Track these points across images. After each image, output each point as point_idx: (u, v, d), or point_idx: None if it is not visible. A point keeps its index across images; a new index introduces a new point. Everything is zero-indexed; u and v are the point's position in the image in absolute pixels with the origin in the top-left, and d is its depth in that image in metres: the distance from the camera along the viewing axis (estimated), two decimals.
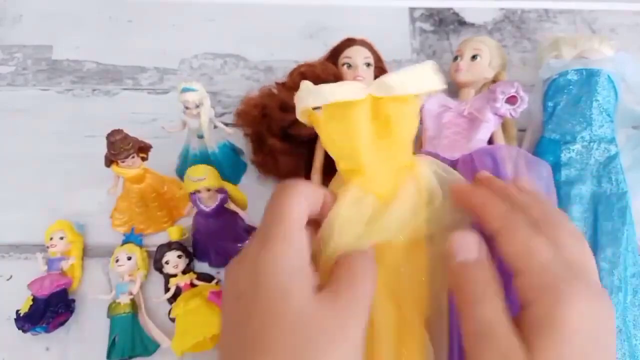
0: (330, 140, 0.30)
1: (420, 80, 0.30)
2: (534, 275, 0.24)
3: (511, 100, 0.43)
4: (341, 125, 0.29)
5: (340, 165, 0.31)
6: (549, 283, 0.24)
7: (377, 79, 0.30)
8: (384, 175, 0.30)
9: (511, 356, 0.22)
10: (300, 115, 0.32)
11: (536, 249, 0.25)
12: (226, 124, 0.48)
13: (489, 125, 0.44)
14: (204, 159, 0.46)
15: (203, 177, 0.41)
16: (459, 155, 0.43)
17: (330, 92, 0.29)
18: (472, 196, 0.29)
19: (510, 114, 0.43)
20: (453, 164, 0.43)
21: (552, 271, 0.24)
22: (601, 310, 0.23)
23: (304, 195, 0.27)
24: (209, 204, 0.43)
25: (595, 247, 0.41)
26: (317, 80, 0.40)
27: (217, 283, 0.45)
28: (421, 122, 0.46)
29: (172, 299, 0.43)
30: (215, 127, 0.46)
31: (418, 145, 0.47)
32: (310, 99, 0.29)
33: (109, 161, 0.42)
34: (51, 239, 0.45)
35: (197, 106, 0.43)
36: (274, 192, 0.27)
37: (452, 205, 0.30)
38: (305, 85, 0.30)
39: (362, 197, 0.29)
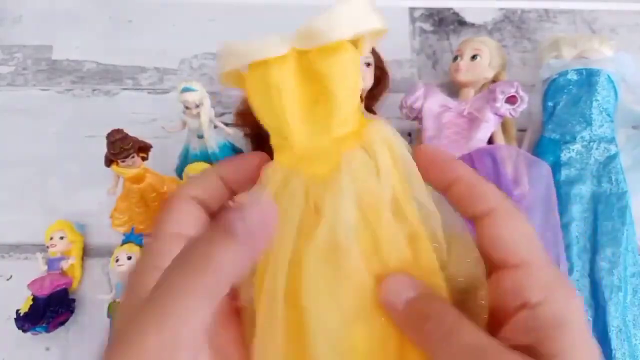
0: (257, 110, 0.24)
1: (354, 19, 0.23)
2: (542, 267, 0.21)
3: (511, 100, 0.43)
4: (264, 90, 0.23)
5: (272, 140, 0.25)
6: (558, 276, 0.21)
7: (301, 26, 0.23)
8: (322, 149, 0.23)
9: None
10: (224, 80, 0.25)
11: (537, 238, 0.21)
12: (226, 124, 0.48)
13: (489, 125, 0.44)
14: (204, 158, 0.46)
15: None
16: (458, 155, 0.43)
17: (247, 51, 0.22)
18: (458, 167, 0.23)
19: (510, 114, 0.43)
20: None
21: (552, 263, 0.21)
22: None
23: (191, 198, 0.24)
24: None
25: (595, 246, 0.41)
26: None
27: None
28: (421, 121, 0.46)
29: None
30: (215, 127, 0.46)
31: (417, 145, 0.47)
32: (229, 60, 0.23)
33: (109, 161, 0.42)
34: (51, 239, 0.45)
35: (197, 106, 0.43)
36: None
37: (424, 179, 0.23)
38: (226, 44, 0.23)
39: (291, 180, 0.23)
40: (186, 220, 0.23)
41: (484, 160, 0.42)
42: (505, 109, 0.43)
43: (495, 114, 0.44)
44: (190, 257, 0.19)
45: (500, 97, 0.43)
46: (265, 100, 0.23)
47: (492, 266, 0.21)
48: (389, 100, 0.51)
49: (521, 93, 0.43)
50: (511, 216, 0.21)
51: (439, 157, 0.23)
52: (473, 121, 0.44)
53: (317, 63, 0.23)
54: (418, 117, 0.46)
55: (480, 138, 0.43)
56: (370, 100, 0.49)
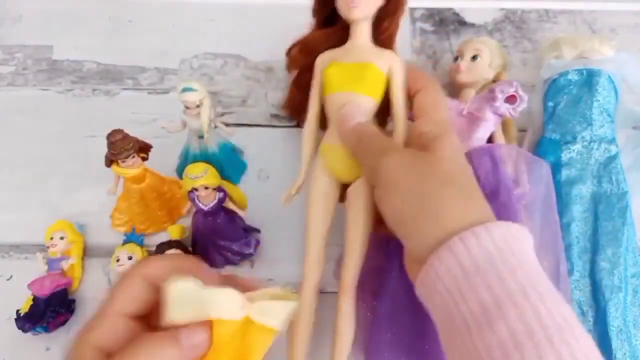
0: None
1: (282, 315, 0.28)
2: (432, 119, 0.36)
3: (510, 99, 0.43)
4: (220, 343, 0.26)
5: None
6: (440, 124, 0.36)
7: (263, 304, 0.27)
8: None
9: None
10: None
11: (441, 105, 0.37)
12: (226, 124, 0.48)
13: (488, 125, 0.44)
14: (204, 158, 0.46)
15: (201, 174, 0.41)
16: None
17: (205, 305, 0.25)
18: (414, 73, 0.40)
19: (510, 113, 0.43)
20: None
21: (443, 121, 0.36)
22: (461, 150, 0.35)
23: (141, 282, 0.27)
24: (207, 203, 0.43)
25: (595, 247, 0.41)
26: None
27: None
28: None
29: None
30: (215, 127, 0.46)
31: None
32: (184, 308, 0.25)
33: (109, 161, 0.42)
34: (51, 238, 0.45)
35: (198, 106, 0.43)
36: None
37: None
38: (181, 287, 0.25)
39: None
40: (134, 302, 0.26)
41: (483, 159, 0.42)
42: (504, 108, 0.43)
43: (495, 113, 0.43)
44: (139, 349, 0.24)
45: (500, 97, 0.43)
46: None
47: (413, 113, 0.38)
48: None
49: (520, 92, 0.43)
50: (430, 91, 0.38)
51: (413, 74, 0.40)
52: (472, 121, 0.44)
53: (254, 336, 0.27)
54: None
55: (479, 137, 0.43)
56: (381, 24, 0.42)
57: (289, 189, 0.42)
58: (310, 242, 0.40)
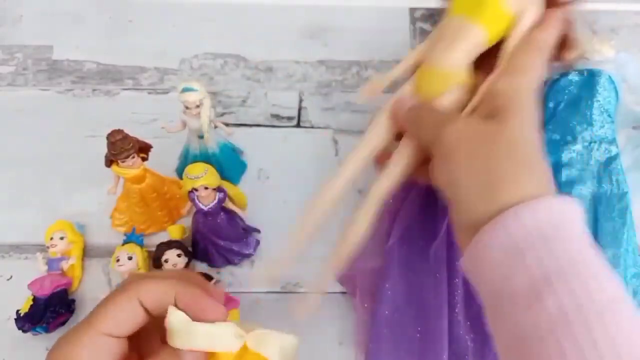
0: None
1: (285, 350, 0.28)
2: (515, 82, 0.33)
3: None
4: None
5: None
6: (521, 90, 0.33)
7: (259, 332, 0.28)
8: None
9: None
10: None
11: (534, 68, 0.34)
12: (226, 124, 0.48)
13: None
14: (204, 159, 0.46)
15: (201, 175, 0.41)
16: None
17: (202, 337, 0.26)
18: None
19: None
20: None
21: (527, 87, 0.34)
22: (532, 119, 0.32)
23: (136, 306, 0.26)
24: (207, 203, 0.43)
25: None
26: None
27: (215, 283, 0.45)
28: None
29: None
30: (215, 127, 0.46)
31: None
32: (180, 338, 0.26)
33: (109, 161, 0.42)
34: (51, 239, 0.45)
35: (198, 106, 0.43)
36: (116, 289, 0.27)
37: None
38: (177, 318, 0.26)
39: None
40: (125, 324, 0.26)
41: None
42: None
43: None
44: None
45: None
46: None
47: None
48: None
49: None
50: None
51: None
52: None
53: None
54: None
55: None
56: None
57: (374, 79, 0.40)
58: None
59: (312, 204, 0.36)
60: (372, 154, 0.37)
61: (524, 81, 0.33)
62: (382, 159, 0.37)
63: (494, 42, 0.36)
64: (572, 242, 0.27)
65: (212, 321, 0.26)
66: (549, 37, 0.35)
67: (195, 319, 0.26)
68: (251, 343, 0.28)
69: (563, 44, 0.38)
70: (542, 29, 0.35)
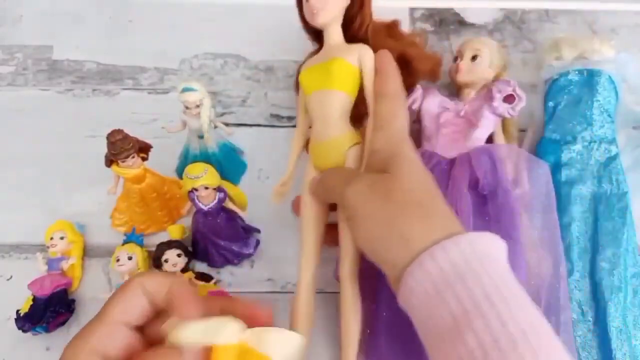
0: None
1: (287, 349, 0.29)
2: (385, 134, 0.36)
3: (509, 99, 0.43)
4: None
5: None
6: (394, 138, 0.36)
7: (260, 330, 0.28)
8: None
9: None
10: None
11: (397, 115, 0.37)
12: (226, 124, 0.48)
13: (488, 125, 0.44)
14: (204, 158, 0.46)
15: (201, 174, 0.41)
16: (456, 154, 0.43)
17: (201, 333, 0.27)
18: (379, 69, 0.39)
19: (509, 113, 0.43)
20: (451, 162, 0.43)
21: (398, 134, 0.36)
22: (418, 163, 0.35)
23: (139, 293, 0.28)
24: (207, 203, 0.43)
25: (595, 247, 0.41)
26: None
27: (215, 283, 0.45)
28: (419, 121, 0.46)
29: None
30: (215, 127, 0.46)
31: (416, 145, 0.46)
32: (178, 333, 0.27)
33: (109, 161, 0.42)
34: (51, 239, 0.45)
35: (198, 106, 0.43)
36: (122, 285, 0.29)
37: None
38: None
39: None
40: (132, 311, 0.28)
41: (482, 159, 0.42)
42: (503, 108, 0.43)
43: (493, 113, 0.43)
44: None
45: (498, 96, 0.43)
46: None
47: None
48: None
49: (518, 91, 0.43)
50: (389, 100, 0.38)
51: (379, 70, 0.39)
52: (471, 121, 0.44)
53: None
54: (417, 119, 0.46)
55: (478, 137, 0.43)
56: (352, 24, 0.42)
57: (275, 185, 0.43)
58: (304, 240, 0.40)
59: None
60: (318, 239, 0.41)
61: (394, 133, 0.36)
62: (297, 207, 0.42)
63: (354, 96, 0.40)
64: (487, 275, 0.28)
65: (185, 317, 0.27)
66: (392, 82, 0.38)
67: (173, 312, 0.28)
68: (252, 341, 0.28)
69: (408, 66, 0.43)
70: (382, 79, 0.38)
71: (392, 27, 0.50)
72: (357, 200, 0.34)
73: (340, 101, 0.39)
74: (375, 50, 0.39)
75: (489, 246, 0.30)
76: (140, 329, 0.29)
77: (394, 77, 0.38)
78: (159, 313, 0.29)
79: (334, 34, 0.41)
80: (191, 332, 0.27)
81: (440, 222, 0.31)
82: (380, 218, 0.32)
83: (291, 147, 0.43)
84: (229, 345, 0.27)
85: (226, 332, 0.27)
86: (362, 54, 0.39)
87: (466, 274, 0.28)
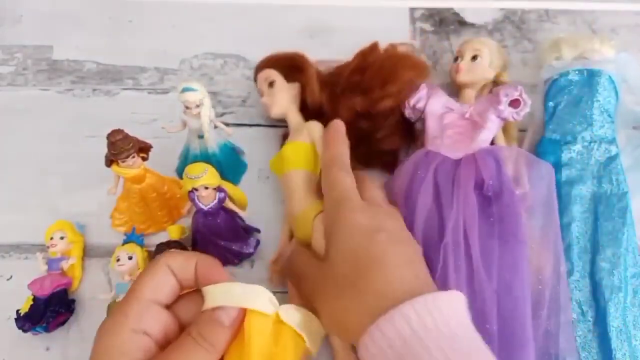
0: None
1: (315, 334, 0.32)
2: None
3: (514, 103, 0.43)
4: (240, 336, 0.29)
5: None
6: (327, 217, 0.38)
7: (293, 307, 0.31)
8: None
9: None
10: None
11: (332, 186, 0.39)
12: (226, 124, 0.48)
13: (492, 128, 0.44)
14: (205, 159, 0.46)
15: (201, 174, 0.41)
16: (461, 155, 0.43)
17: (236, 297, 0.29)
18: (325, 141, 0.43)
19: (513, 117, 0.44)
20: (455, 163, 0.43)
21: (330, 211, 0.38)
22: (353, 234, 0.35)
23: (167, 271, 0.30)
24: (207, 203, 0.43)
25: (595, 247, 0.41)
26: None
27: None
28: (423, 121, 0.46)
29: None
30: (215, 127, 0.46)
31: (419, 145, 0.47)
32: (218, 298, 0.29)
33: (109, 161, 0.42)
34: (51, 238, 0.45)
35: (198, 106, 0.43)
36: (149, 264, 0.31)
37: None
38: (215, 288, 0.30)
39: None
40: (162, 289, 0.29)
41: (488, 161, 0.42)
42: (508, 112, 0.43)
43: (498, 116, 0.44)
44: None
45: (504, 100, 0.43)
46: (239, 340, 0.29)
47: None
48: None
49: (524, 97, 0.43)
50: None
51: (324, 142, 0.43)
52: (475, 123, 0.44)
53: (287, 338, 0.30)
54: (421, 118, 0.46)
55: (483, 139, 0.43)
56: (306, 103, 0.48)
57: (270, 266, 0.45)
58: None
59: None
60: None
61: (331, 202, 0.38)
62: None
63: (317, 168, 0.43)
64: (444, 339, 0.28)
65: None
66: (329, 151, 0.41)
67: (206, 283, 0.30)
68: (284, 315, 0.30)
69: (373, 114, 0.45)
70: (323, 149, 0.42)
71: (360, 69, 0.48)
72: (312, 289, 0.36)
73: (302, 178, 0.43)
74: (338, 115, 0.44)
75: (430, 312, 0.28)
76: (169, 308, 0.30)
77: (334, 145, 0.41)
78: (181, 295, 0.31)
79: (292, 119, 0.47)
80: (229, 294, 0.28)
81: (374, 300, 0.31)
82: (326, 312, 0.33)
83: (281, 227, 0.46)
84: (264, 314, 0.29)
85: (263, 299, 0.29)
86: (310, 129, 0.44)
87: (405, 355, 0.27)
